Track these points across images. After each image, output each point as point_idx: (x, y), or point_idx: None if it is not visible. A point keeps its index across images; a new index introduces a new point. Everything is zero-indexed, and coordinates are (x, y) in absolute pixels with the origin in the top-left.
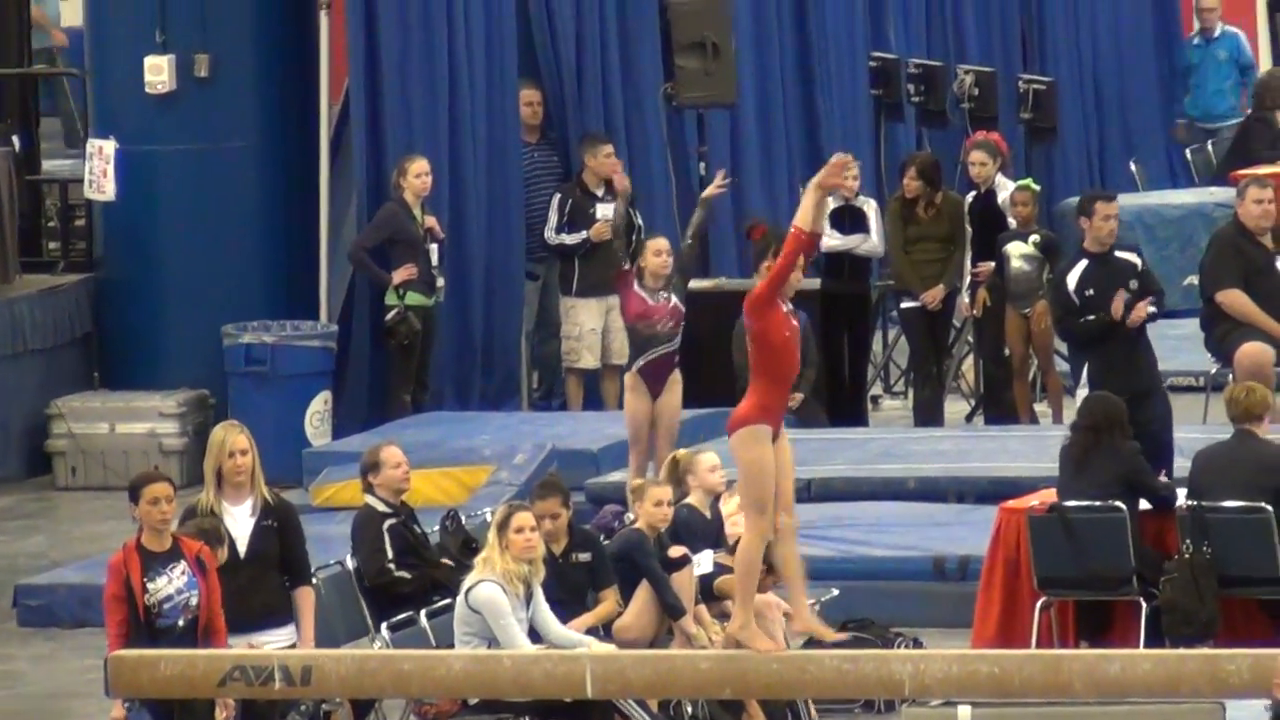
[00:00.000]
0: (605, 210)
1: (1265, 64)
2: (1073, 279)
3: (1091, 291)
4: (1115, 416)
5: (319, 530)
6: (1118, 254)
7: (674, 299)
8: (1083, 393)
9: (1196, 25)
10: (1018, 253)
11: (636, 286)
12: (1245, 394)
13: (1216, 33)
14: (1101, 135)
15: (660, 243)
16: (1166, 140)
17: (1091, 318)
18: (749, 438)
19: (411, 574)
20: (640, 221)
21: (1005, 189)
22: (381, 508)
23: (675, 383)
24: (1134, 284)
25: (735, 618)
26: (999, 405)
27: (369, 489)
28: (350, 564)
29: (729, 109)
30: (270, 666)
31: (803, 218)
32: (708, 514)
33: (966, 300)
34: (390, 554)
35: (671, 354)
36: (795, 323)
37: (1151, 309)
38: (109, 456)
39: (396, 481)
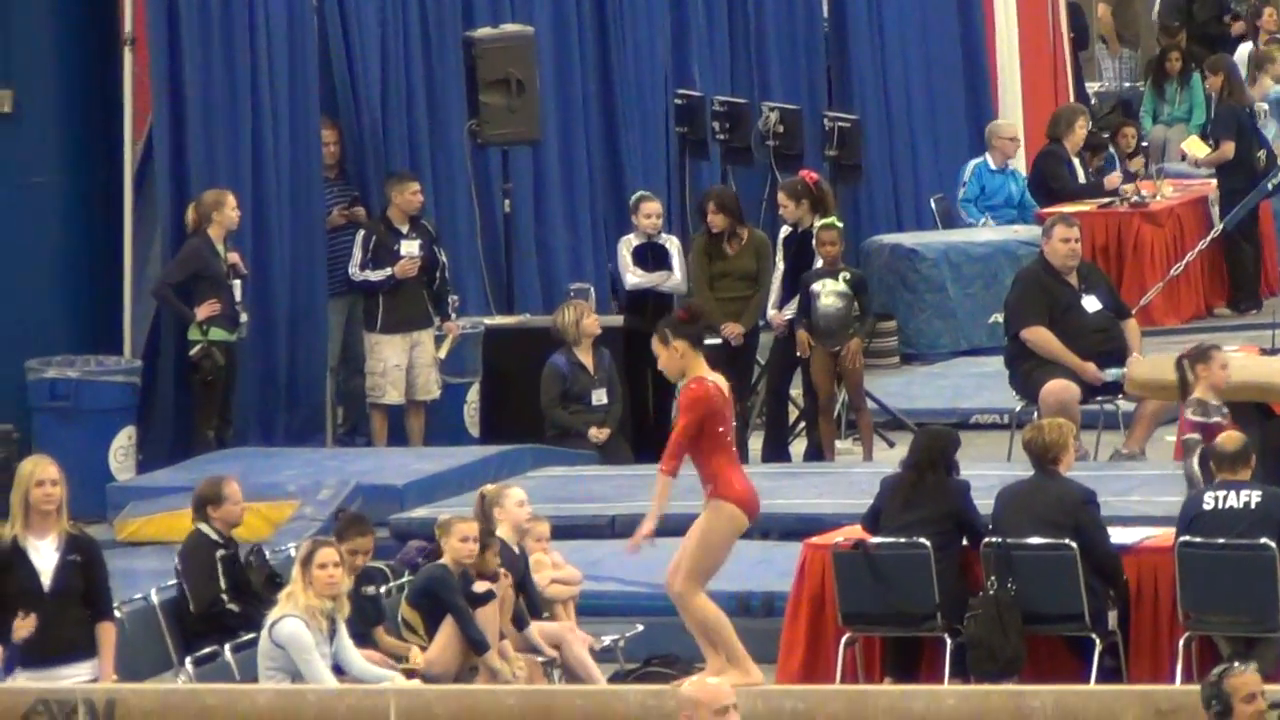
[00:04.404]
0: (409, 247)
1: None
2: None
3: None
4: (941, 451)
5: (123, 565)
6: None
7: None
8: None
9: (994, 157)
10: (828, 290)
11: None
12: (1039, 433)
13: (1009, 166)
14: (914, 173)
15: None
16: None
17: None
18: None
19: (240, 607)
20: (445, 259)
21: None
22: (214, 537)
23: None
24: None
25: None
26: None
27: (205, 519)
28: (155, 598)
29: (533, 145)
30: (74, 701)
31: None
32: (515, 549)
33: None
34: (224, 584)
35: None
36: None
37: None
38: None
39: (236, 516)
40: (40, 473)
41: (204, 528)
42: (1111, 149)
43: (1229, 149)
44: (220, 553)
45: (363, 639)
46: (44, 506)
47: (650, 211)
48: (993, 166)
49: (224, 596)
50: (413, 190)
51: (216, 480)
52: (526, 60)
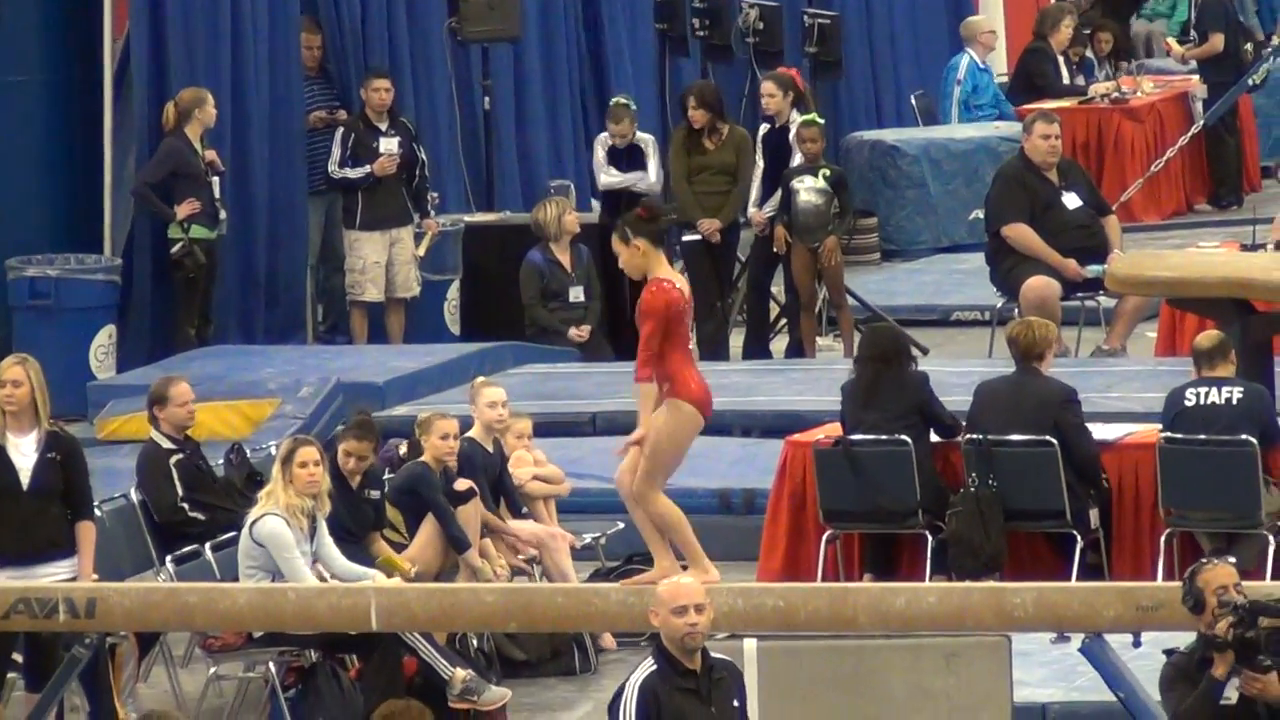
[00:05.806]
0: (388, 144)
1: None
2: None
3: None
4: (895, 346)
5: (104, 463)
6: None
7: None
8: None
9: (978, 52)
10: (807, 187)
11: None
12: (1027, 330)
13: (986, 63)
14: (894, 70)
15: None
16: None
17: None
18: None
19: (205, 515)
20: (424, 156)
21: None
22: (166, 444)
23: None
24: None
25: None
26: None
27: (154, 422)
28: (135, 496)
29: (514, 43)
30: (55, 599)
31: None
32: (489, 447)
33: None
34: (180, 490)
35: None
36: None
37: None
38: None
39: (182, 419)
40: (2, 372)
41: (155, 434)
42: (1089, 52)
43: (1218, 41)
44: (174, 459)
45: (357, 541)
46: (7, 407)
47: (622, 131)
48: (981, 64)
49: (183, 505)
50: (375, 87)
51: (164, 381)
52: None
